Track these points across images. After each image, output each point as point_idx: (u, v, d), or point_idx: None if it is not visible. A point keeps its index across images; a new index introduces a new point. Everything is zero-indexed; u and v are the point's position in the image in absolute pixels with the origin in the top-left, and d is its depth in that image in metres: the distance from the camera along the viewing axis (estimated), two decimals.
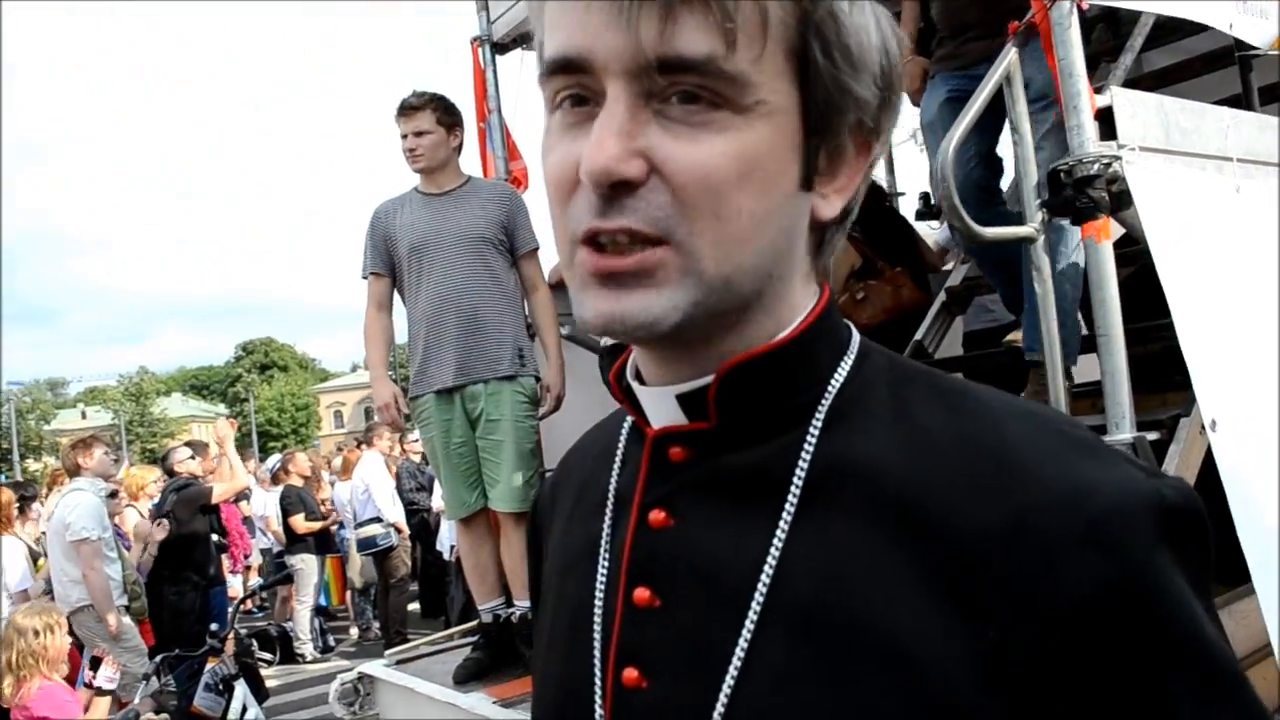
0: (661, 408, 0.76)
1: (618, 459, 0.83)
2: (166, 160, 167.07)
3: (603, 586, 0.78)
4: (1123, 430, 2.36)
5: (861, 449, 0.70)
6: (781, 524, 0.70)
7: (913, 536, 0.65)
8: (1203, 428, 2.66)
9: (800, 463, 0.71)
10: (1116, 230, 2.51)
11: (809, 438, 0.71)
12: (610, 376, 0.81)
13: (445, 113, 4.05)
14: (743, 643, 0.68)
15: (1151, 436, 2.41)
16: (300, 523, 10.61)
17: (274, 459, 13.72)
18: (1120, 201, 2.42)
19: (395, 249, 4.05)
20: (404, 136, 4.03)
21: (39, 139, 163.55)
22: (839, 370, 0.74)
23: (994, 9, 3.18)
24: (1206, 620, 0.63)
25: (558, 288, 4.23)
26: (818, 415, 0.72)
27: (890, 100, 0.73)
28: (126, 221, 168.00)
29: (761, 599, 0.68)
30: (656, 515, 0.76)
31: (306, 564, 10.65)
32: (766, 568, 0.69)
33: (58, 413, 76.76)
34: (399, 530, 10.29)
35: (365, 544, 10.28)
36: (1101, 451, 0.66)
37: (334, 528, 11.29)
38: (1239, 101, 3.69)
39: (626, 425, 0.84)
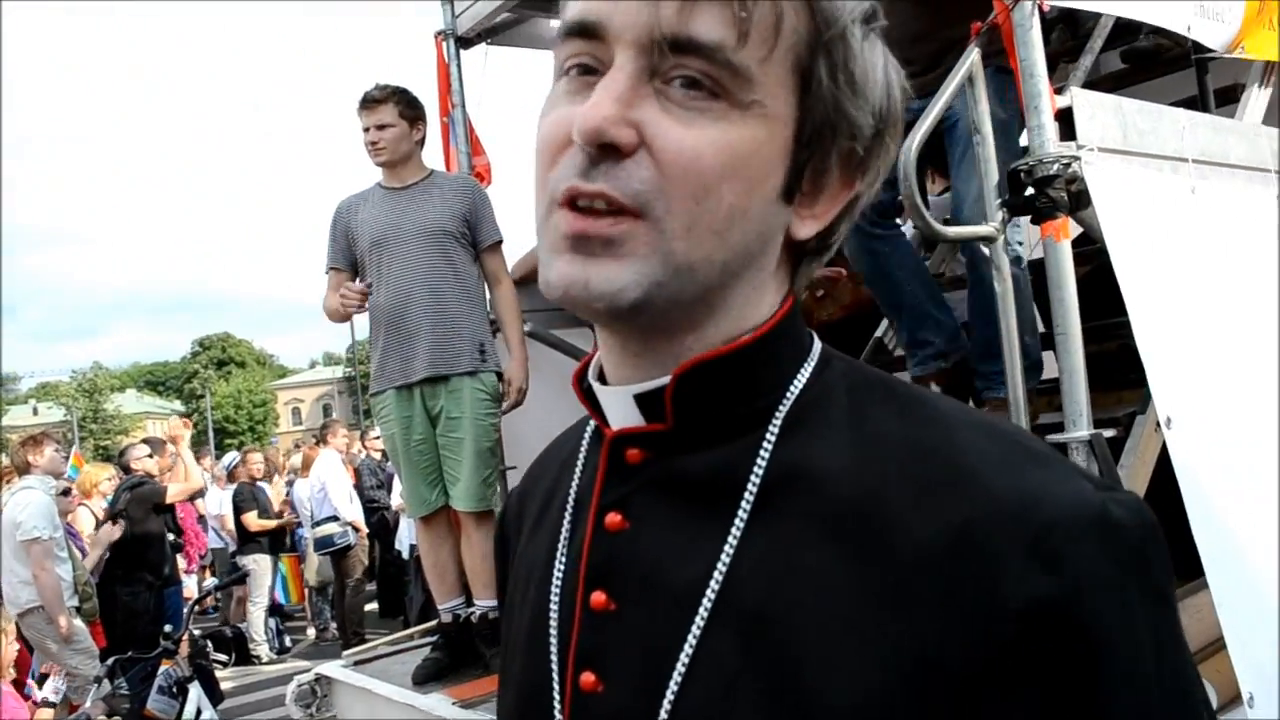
0: (620, 408, 0.76)
1: (579, 463, 0.83)
2: (121, 154, 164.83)
3: (558, 590, 0.78)
4: (1080, 428, 2.38)
5: (816, 456, 0.70)
6: (734, 529, 0.70)
7: (863, 544, 0.65)
8: (1158, 425, 2.70)
9: (756, 468, 0.71)
10: (1074, 229, 2.53)
11: (765, 443, 0.72)
12: (573, 377, 0.81)
13: (408, 105, 4.03)
14: (688, 647, 0.68)
15: (1108, 434, 2.43)
16: (253, 520, 10.51)
17: (230, 456, 13.56)
18: (1079, 201, 2.43)
19: (356, 244, 4.01)
20: (366, 130, 4.00)
21: None
22: (799, 376, 0.75)
23: (936, 47, 3.13)
24: (1156, 636, 0.62)
25: (521, 282, 4.21)
26: (775, 420, 0.72)
27: (884, 137, 0.74)
28: (80, 215, 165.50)
29: (710, 603, 0.68)
30: (613, 518, 0.76)
31: (259, 564, 10.55)
32: (716, 573, 0.69)
33: (8, 409, 75.43)
34: (356, 529, 10.22)
35: (322, 543, 10.20)
36: (1054, 464, 0.67)
37: (293, 526, 11.19)
38: (1195, 103, 3.75)
39: (589, 429, 0.84)
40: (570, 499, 0.81)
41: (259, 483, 10.99)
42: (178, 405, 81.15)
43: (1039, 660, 0.60)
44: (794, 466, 0.70)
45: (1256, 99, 3.41)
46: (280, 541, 11.04)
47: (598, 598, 0.74)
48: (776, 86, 0.68)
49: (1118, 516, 0.62)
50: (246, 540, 10.68)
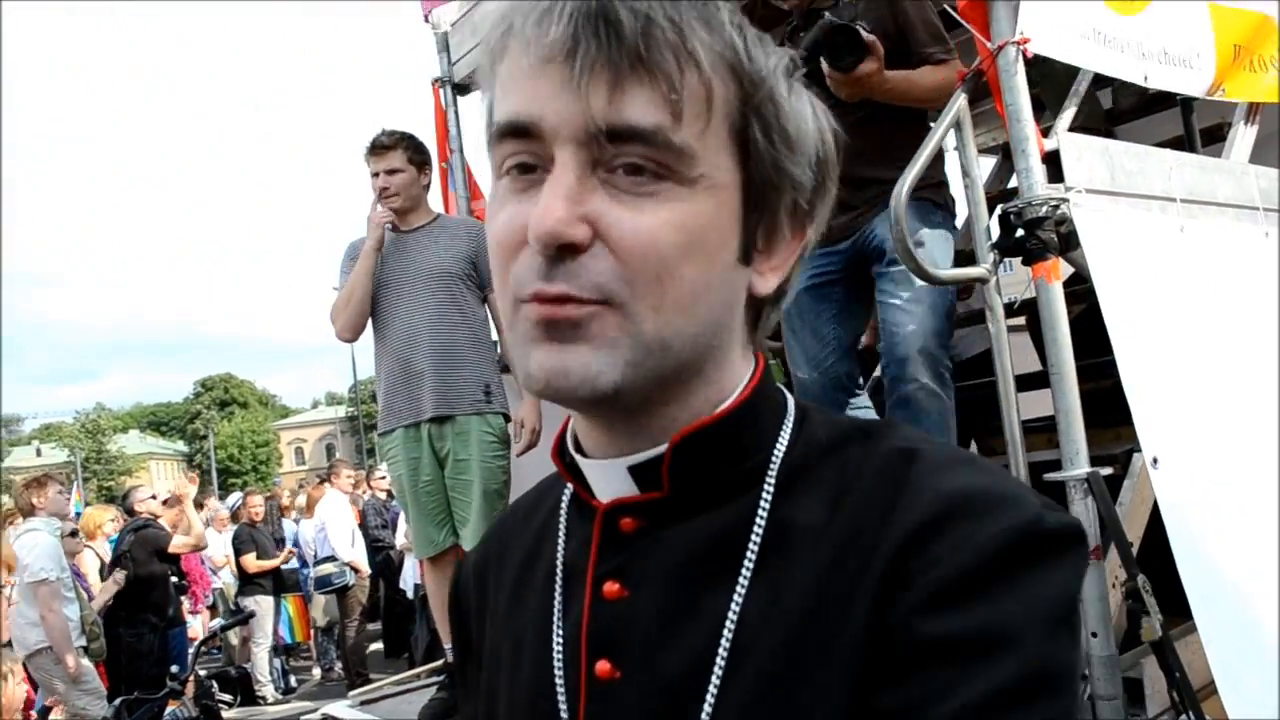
0: (611, 480, 0.77)
1: (561, 531, 0.83)
2: (118, 195, 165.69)
3: (560, 660, 0.78)
4: (1077, 466, 2.41)
5: (809, 510, 0.72)
6: (739, 589, 0.71)
7: (852, 591, 0.67)
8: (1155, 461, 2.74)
9: (756, 528, 0.72)
10: (1066, 270, 2.58)
11: (763, 503, 0.73)
12: (553, 450, 0.82)
13: (415, 151, 4.10)
14: (707, 708, 0.69)
15: (1105, 471, 2.46)
16: (251, 562, 10.48)
17: (234, 497, 13.57)
18: (1069, 242, 2.48)
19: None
20: (375, 175, 4.05)
21: None
22: (782, 434, 0.77)
23: (878, 191, 3.03)
24: (1038, 635, 0.62)
25: None
26: (769, 481, 0.74)
27: (824, 185, 0.76)
28: (80, 256, 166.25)
29: (722, 665, 0.69)
30: (611, 587, 0.76)
31: (261, 605, 10.52)
32: (726, 632, 0.70)
33: (12, 450, 75.37)
34: (355, 570, 10.21)
35: (321, 583, 10.23)
36: (1006, 477, 0.70)
37: (296, 565, 11.17)
38: (1182, 142, 3.81)
39: (567, 496, 0.84)
40: (559, 568, 0.81)
41: (258, 525, 10.98)
42: (181, 446, 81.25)
43: (929, 617, 0.63)
44: (790, 523, 0.72)
45: (1242, 137, 3.46)
46: (284, 582, 11.03)
47: (602, 667, 0.75)
48: (717, 156, 0.69)
49: (1049, 524, 0.65)
50: (248, 581, 10.66)
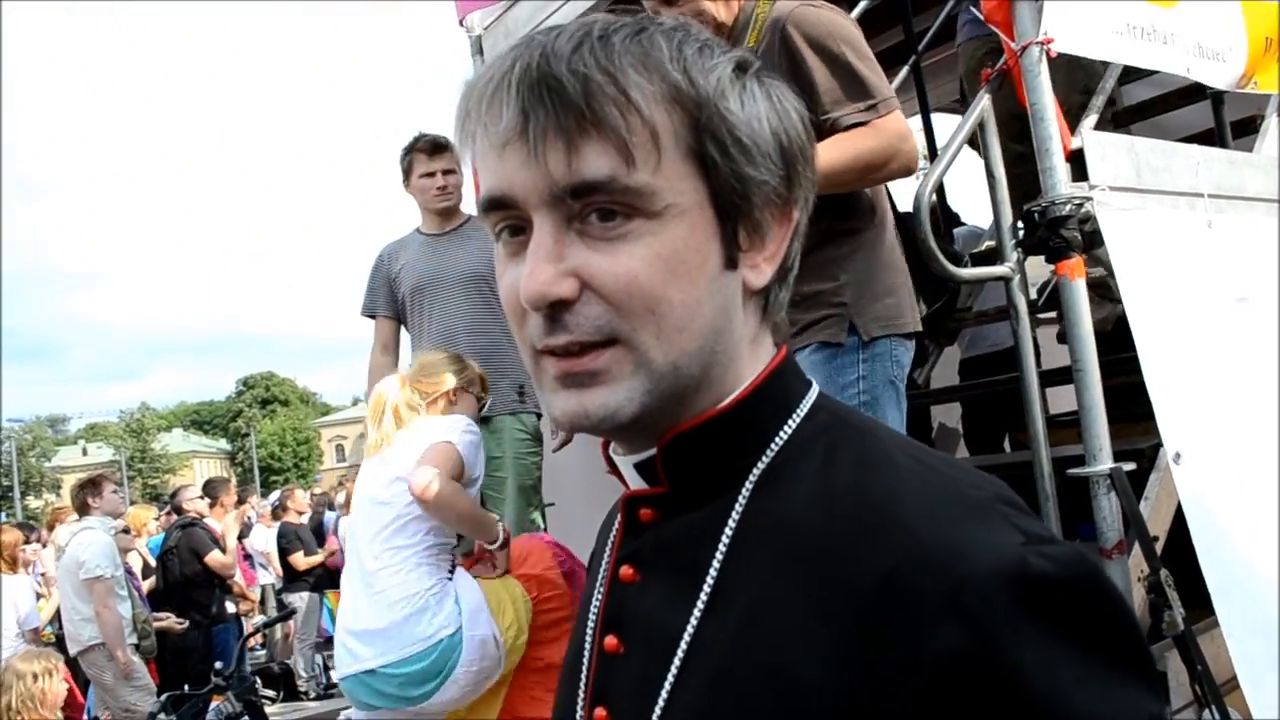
0: (630, 474, 0.84)
1: (617, 518, 0.90)
2: (161, 195, 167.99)
3: (590, 632, 0.87)
4: (1100, 462, 2.43)
5: (782, 508, 0.75)
6: (708, 580, 0.76)
7: (819, 588, 0.69)
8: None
9: (729, 523, 0.77)
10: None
11: (740, 499, 0.78)
12: (601, 445, 0.88)
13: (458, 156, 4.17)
14: (664, 692, 0.75)
15: (1128, 467, 2.47)
16: (300, 560, 10.62)
17: (275, 495, 13.75)
18: (1092, 240, 2.50)
19: (399, 290, 4.14)
20: (430, 175, 4.11)
21: (33, 175, 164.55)
22: (782, 432, 0.80)
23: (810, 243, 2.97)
24: (1083, 687, 0.62)
25: None
26: (751, 477, 0.78)
27: (796, 169, 0.79)
28: (122, 256, 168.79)
29: (683, 650, 0.75)
30: (626, 570, 0.84)
31: (304, 602, 10.66)
32: (692, 620, 0.75)
33: (58, 449, 76.73)
34: None
35: None
36: (988, 513, 0.68)
37: (337, 563, 11.30)
38: (1212, 136, 3.79)
39: None
40: (608, 549, 0.90)
41: (303, 522, 11.12)
42: (223, 444, 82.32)
43: (955, 711, 0.61)
44: (762, 519, 0.76)
45: (1275, 130, 3.44)
46: (326, 578, 11.16)
47: (610, 641, 0.83)
48: (679, 183, 0.73)
49: (1038, 569, 0.63)
50: (293, 579, 10.81)
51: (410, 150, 4.18)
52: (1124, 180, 2.64)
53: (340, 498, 13.16)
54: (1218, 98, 3.71)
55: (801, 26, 2.33)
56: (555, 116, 0.70)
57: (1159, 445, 2.81)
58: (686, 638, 0.75)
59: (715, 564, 0.76)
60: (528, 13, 4.82)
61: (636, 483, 0.84)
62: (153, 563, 8.92)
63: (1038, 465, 2.61)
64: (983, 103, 2.63)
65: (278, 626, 10.84)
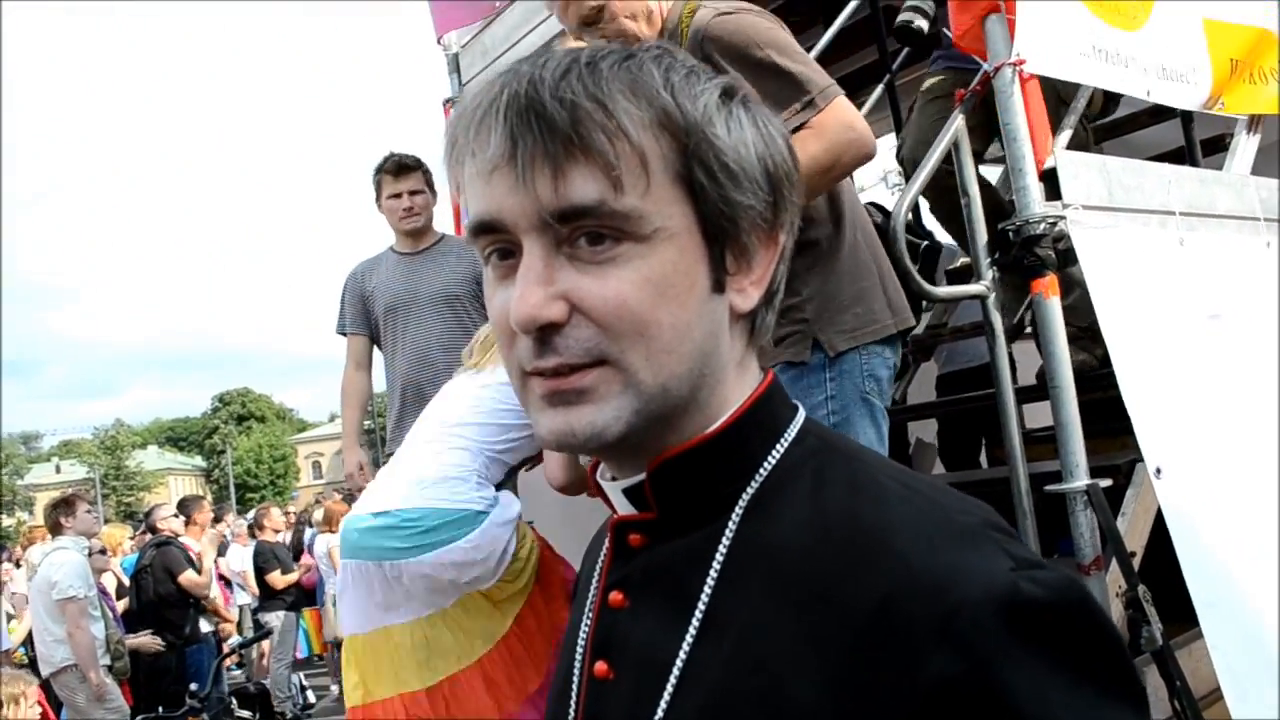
0: (618, 500, 0.84)
1: (606, 542, 0.90)
2: (134, 213, 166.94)
3: (579, 658, 0.87)
4: (1076, 479, 2.44)
5: (773, 534, 0.76)
6: (699, 607, 0.76)
7: (812, 614, 0.70)
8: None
9: (720, 548, 0.77)
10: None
11: (730, 524, 0.78)
12: (589, 470, 0.88)
13: (428, 175, 4.20)
14: (658, 716, 0.75)
15: (1105, 483, 2.49)
16: (278, 578, 10.54)
17: (253, 513, 13.67)
18: (1067, 258, 2.52)
19: (373, 308, 4.13)
20: (397, 195, 4.13)
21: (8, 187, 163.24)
22: (770, 457, 0.80)
23: None
24: (1076, 712, 0.63)
25: None
26: (741, 502, 0.79)
27: (782, 195, 0.80)
28: (96, 272, 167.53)
29: (677, 675, 0.75)
30: (615, 596, 0.84)
31: (280, 621, 10.58)
32: (684, 646, 0.76)
33: (31, 467, 75.91)
34: None
35: None
36: (978, 539, 0.69)
37: (311, 581, 11.21)
38: (1183, 154, 3.84)
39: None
40: (596, 574, 0.90)
41: (279, 540, 11.04)
42: (199, 461, 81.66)
43: None
44: (753, 545, 0.77)
45: (1244, 148, 3.49)
46: (303, 597, 11.08)
47: (600, 667, 0.83)
48: (668, 207, 0.74)
49: (1029, 594, 0.64)
50: (269, 597, 10.73)
51: (378, 171, 4.21)
52: (1097, 199, 2.66)
53: (318, 514, 13.08)
54: (1187, 117, 3.76)
55: (720, 40, 2.27)
56: (542, 143, 0.71)
57: (1135, 461, 2.83)
58: (679, 663, 0.75)
59: (707, 590, 0.77)
60: (504, 31, 4.83)
61: (625, 508, 0.84)
62: (127, 582, 8.82)
63: (1015, 482, 2.62)
64: (957, 122, 2.65)
65: (254, 646, 10.75)
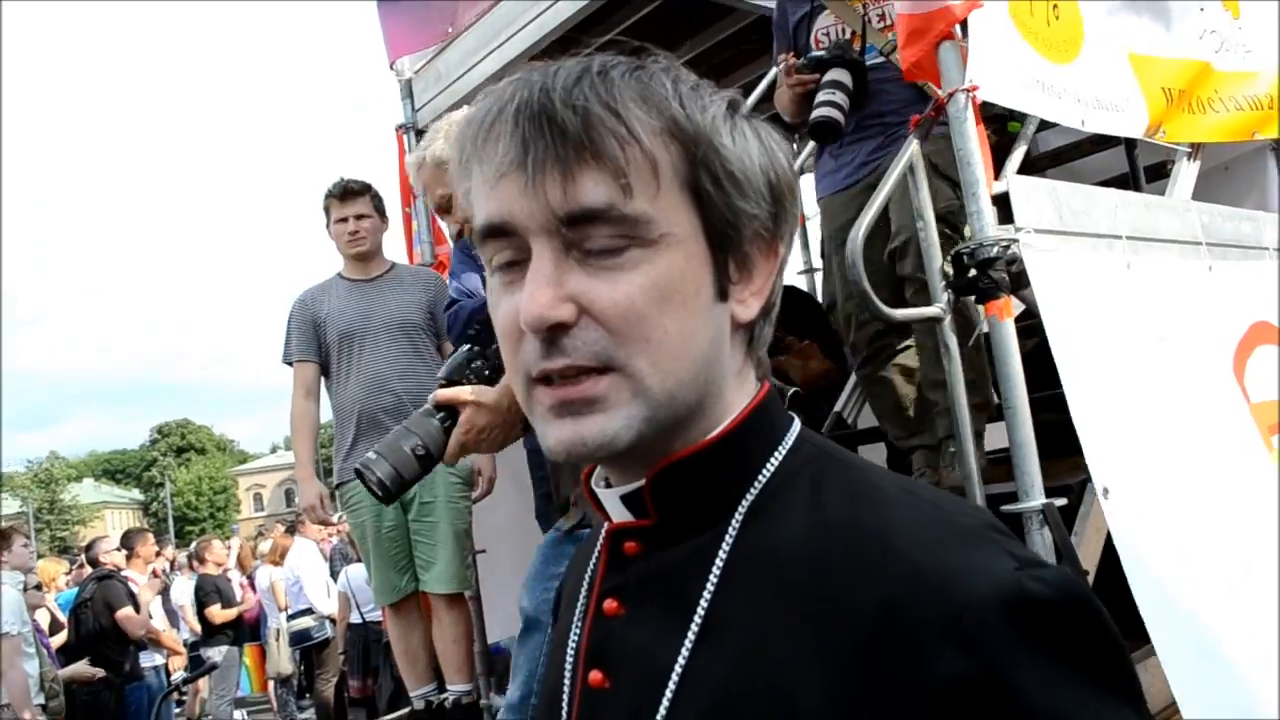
0: (614, 507, 0.85)
1: (595, 552, 0.90)
2: (70, 243, 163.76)
3: (570, 666, 0.86)
4: (1032, 498, 2.47)
5: (774, 540, 0.76)
6: (698, 613, 0.77)
7: (817, 619, 0.70)
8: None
9: (720, 554, 0.78)
10: (1018, 306, 2.65)
11: (730, 531, 0.78)
12: (582, 478, 0.89)
13: (378, 200, 4.17)
14: None
15: (1060, 502, 2.52)
16: (218, 613, 10.29)
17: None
18: (1019, 281, 2.56)
19: (324, 334, 4.08)
20: (343, 220, 4.09)
21: None
22: (769, 464, 0.81)
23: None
24: (1081, 706, 0.64)
25: None
26: (740, 509, 0.79)
27: (783, 206, 0.82)
28: (33, 296, 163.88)
29: (675, 684, 0.75)
30: (610, 604, 0.84)
31: (225, 657, 10.33)
32: (682, 655, 0.76)
33: None
34: (333, 621, 10.02)
35: (299, 637, 9.93)
36: (980, 540, 0.71)
37: (252, 616, 10.97)
38: (1127, 180, 3.93)
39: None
40: (585, 583, 0.90)
41: (221, 574, 10.80)
42: (136, 494, 79.87)
43: None
44: (754, 551, 0.77)
45: (1185, 174, 3.58)
46: (247, 632, 10.84)
47: (595, 676, 0.83)
48: (674, 212, 0.75)
49: (1034, 593, 0.65)
50: (212, 632, 10.47)
51: (327, 196, 4.18)
52: (1047, 223, 2.71)
53: (264, 546, 12.82)
54: (1131, 144, 3.85)
55: None
56: (554, 147, 0.72)
57: (1086, 481, 2.88)
58: (678, 670, 0.76)
59: (706, 595, 0.77)
60: (459, 57, 4.83)
61: (620, 515, 0.85)
62: (62, 619, 8.58)
63: (971, 502, 2.64)
64: (911, 148, 2.69)
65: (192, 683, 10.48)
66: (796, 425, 0.85)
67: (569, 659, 0.87)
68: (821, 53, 3.45)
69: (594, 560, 0.90)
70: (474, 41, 4.76)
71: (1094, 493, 2.79)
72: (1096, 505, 2.79)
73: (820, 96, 3.30)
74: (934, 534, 0.71)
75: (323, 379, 4.17)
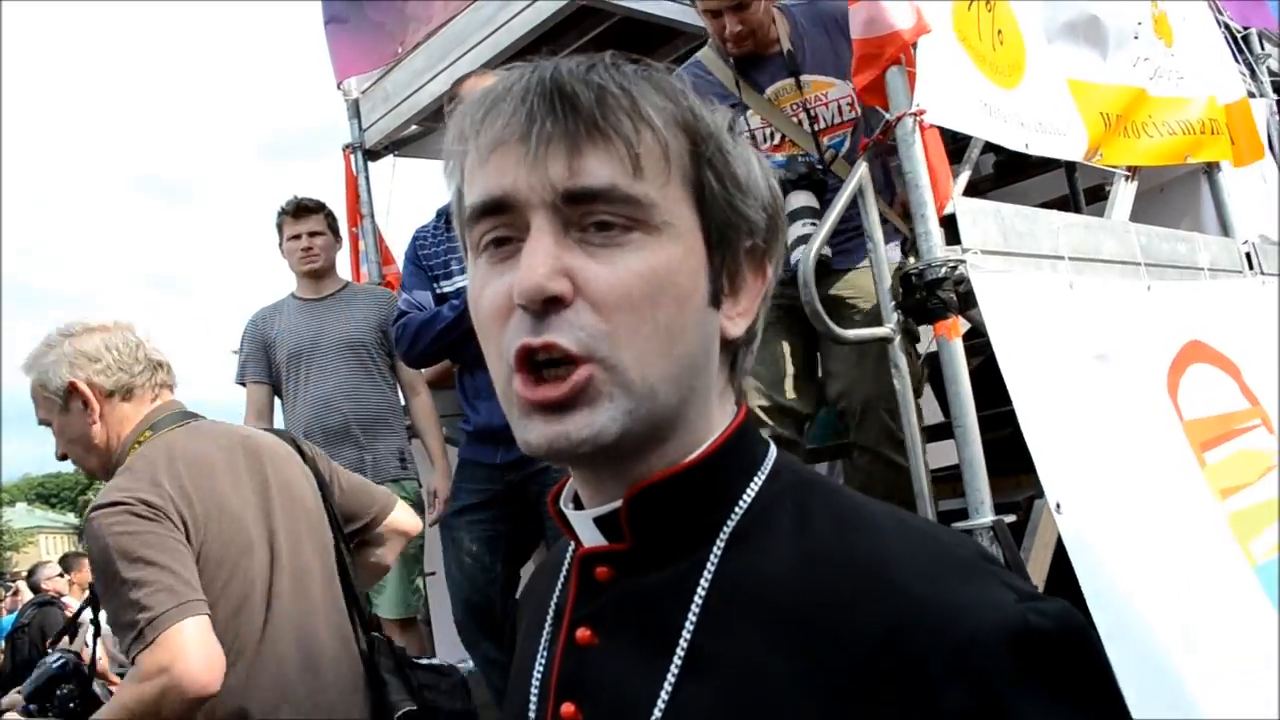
0: (587, 530, 0.82)
1: (562, 575, 0.88)
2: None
3: (535, 699, 0.83)
4: (982, 514, 2.51)
5: (760, 568, 0.75)
6: (682, 643, 0.74)
7: (804, 650, 0.68)
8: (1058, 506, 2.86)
9: (702, 582, 0.76)
10: (964, 325, 2.70)
11: (711, 558, 0.76)
12: (549, 500, 0.86)
13: (332, 218, 4.16)
14: None
15: (1009, 519, 2.56)
16: None
17: None
18: (967, 301, 2.61)
19: (274, 355, 4.04)
20: (296, 236, 4.07)
21: None
22: (748, 489, 0.80)
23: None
24: None
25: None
26: (722, 535, 0.77)
27: (776, 226, 0.82)
28: None
29: (659, 716, 0.73)
30: (583, 633, 0.81)
31: None
32: (665, 686, 0.73)
33: None
34: None
35: None
36: (979, 572, 0.70)
37: None
38: (1067, 201, 4.03)
39: (572, 545, 0.88)
40: (550, 612, 0.87)
41: None
42: (72, 518, 77.81)
43: None
44: (739, 579, 0.75)
45: (1123, 196, 3.67)
46: None
47: (567, 709, 0.79)
48: (678, 205, 0.75)
49: (1037, 626, 0.65)
50: None
51: (280, 213, 4.16)
52: (993, 244, 2.77)
53: None
54: (1070, 167, 3.95)
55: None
56: (564, 122, 0.72)
57: (1033, 498, 2.93)
58: (661, 704, 0.73)
59: (689, 626, 0.75)
60: (407, 77, 4.82)
61: (592, 539, 0.82)
62: None
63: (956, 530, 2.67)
64: (861, 170, 2.74)
65: None
66: (774, 451, 0.84)
67: (534, 690, 0.84)
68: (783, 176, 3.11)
69: (560, 586, 0.87)
70: (423, 62, 4.75)
71: (1041, 509, 2.86)
72: (1045, 521, 2.85)
73: (796, 230, 3.01)
74: (932, 565, 0.70)
75: (279, 399, 4.13)
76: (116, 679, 9.34)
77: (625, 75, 0.75)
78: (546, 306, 0.72)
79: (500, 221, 0.75)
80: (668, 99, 0.76)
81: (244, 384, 4.15)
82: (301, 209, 4.12)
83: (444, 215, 3.53)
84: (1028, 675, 0.64)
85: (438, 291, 3.45)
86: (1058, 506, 2.26)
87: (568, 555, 0.88)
